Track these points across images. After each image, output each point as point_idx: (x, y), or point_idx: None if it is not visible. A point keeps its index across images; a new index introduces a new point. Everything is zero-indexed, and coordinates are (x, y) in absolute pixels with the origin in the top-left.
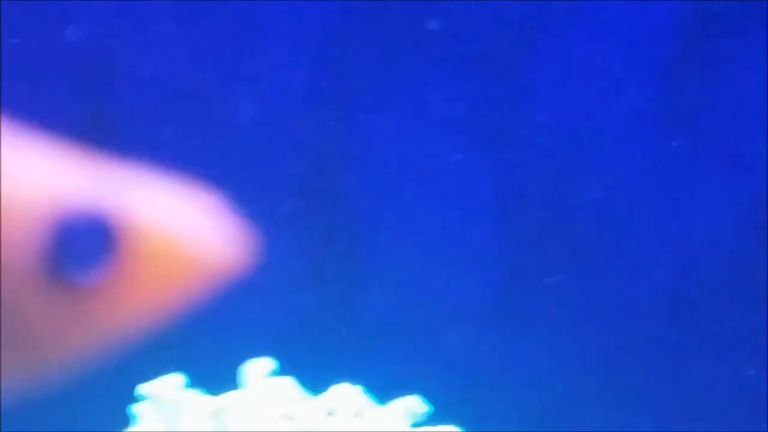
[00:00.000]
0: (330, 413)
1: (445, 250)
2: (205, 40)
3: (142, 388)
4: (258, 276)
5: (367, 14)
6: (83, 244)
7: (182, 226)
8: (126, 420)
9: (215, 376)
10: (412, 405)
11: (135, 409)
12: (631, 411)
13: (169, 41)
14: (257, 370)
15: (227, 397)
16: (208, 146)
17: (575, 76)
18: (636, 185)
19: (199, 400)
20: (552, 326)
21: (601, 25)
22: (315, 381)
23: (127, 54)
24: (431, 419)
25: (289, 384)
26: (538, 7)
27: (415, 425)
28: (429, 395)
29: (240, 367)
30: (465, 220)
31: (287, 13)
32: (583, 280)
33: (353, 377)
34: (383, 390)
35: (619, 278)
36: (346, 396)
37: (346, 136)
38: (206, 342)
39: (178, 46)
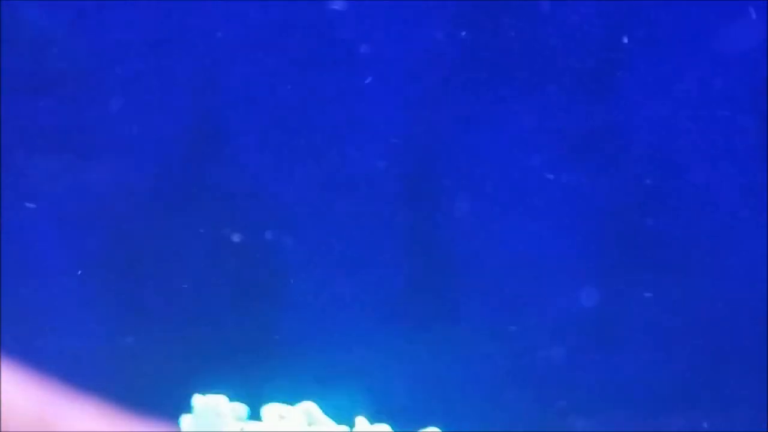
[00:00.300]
0: None
1: (540, 265)
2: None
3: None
4: (358, 282)
5: (468, 37)
6: None
7: None
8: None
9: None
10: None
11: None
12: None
13: (272, 62)
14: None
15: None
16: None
17: (671, 95)
18: (730, 204)
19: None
20: (646, 342)
21: (697, 45)
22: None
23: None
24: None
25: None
26: (634, 25)
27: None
28: (524, 407)
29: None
30: (560, 236)
31: (393, 36)
32: (675, 297)
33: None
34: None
35: (712, 296)
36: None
37: (447, 151)
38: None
39: (283, 69)
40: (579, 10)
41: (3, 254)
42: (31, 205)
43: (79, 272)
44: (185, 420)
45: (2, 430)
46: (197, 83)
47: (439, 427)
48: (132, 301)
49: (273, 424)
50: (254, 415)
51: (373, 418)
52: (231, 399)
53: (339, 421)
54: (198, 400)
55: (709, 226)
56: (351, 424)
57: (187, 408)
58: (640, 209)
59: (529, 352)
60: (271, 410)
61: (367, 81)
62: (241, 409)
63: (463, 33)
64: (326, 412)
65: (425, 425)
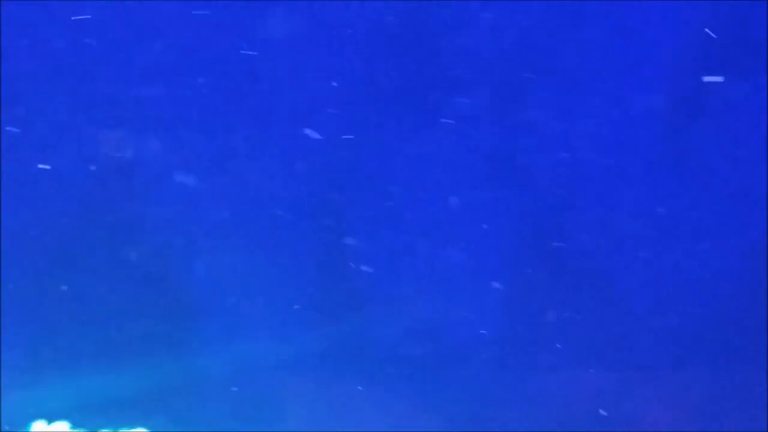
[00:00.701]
0: None
1: (451, 286)
2: None
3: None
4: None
5: (379, 63)
6: None
7: None
8: None
9: None
10: None
11: None
12: None
13: None
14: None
15: None
16: None
17: (576, 117)
18: (635, 224)
19: None
20: (554, 362)
21: (601, 68)
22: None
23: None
24: None
25: None
26: (536, 50)
27: None
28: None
29: None
30: (470, 255)
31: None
32: (585, 318)
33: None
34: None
35: (620, 314)
36: None
37: (355, 172)
38: None
39: None
40: (483, 34)
41: None
42: None
43: None
44: None
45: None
46: None
47: None
48: None
49: None
50: None
51: None
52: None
53: None
54: (37, 426)
55: (614, 238)
56: None
57: None
58: (549, 226)
59: (438, 371)
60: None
61: (277, 104)
62: None
63: (374, 59)
64: None
65: None
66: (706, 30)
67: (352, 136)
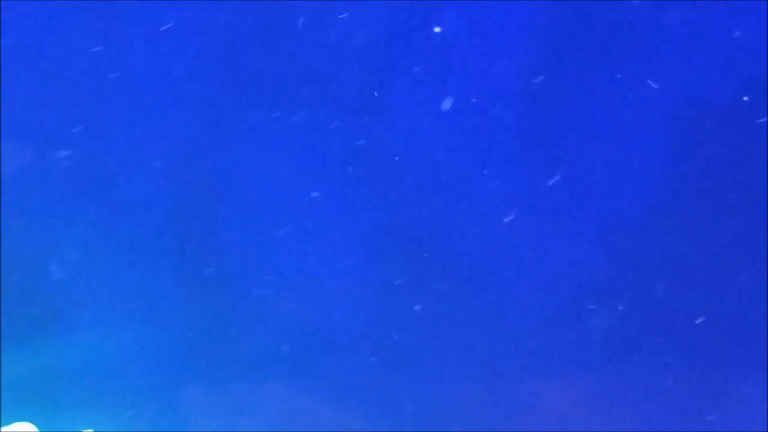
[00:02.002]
0: None
1: (317, 283)
2: None
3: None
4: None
5: (239, 59)
6: None
7: None
8: None
9: None
10: None
11: None
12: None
13: None
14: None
15: None
16: None
17: (431, 111)
18: (495, 212)
19: None
20: (423, 352)
21: (461, 68)
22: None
23: None
24: None
25: None
26: (397, 47)
27: None
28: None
29: None
30: (335, 254)
31: None
32: (451, 307)
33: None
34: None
35: (485, 304)
36: None
37: (222, 175)
38: None
39: None
40: (345, 31)
41: None
42: None
43: None
44: None
45: None
46: None
47: None
48: None
49: None
50: None
51: None
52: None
53: None
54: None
55: (478, 232)
56: None
57: None
58: (412, 221)
59: (308, 368)
60: None
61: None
62: None
63: (236, 56)
64: None
65: None
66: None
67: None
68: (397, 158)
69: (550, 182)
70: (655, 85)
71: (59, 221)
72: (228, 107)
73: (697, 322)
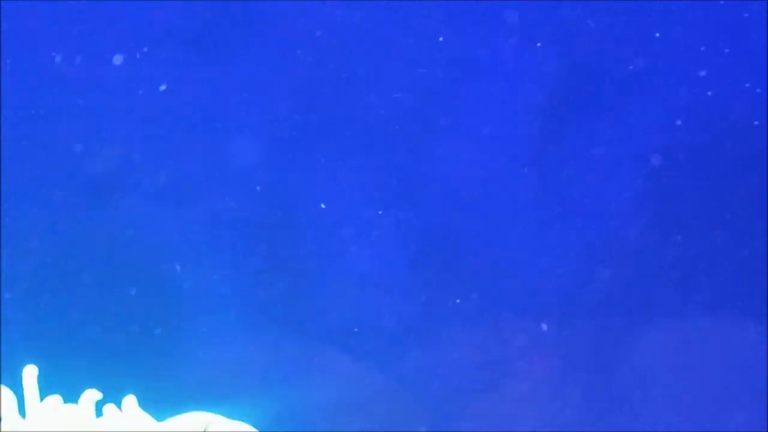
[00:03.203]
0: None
1: (372, 285)
2: None
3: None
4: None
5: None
6: None
7: None
8: None
9: None
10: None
11: None
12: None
13: None
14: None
15: None
16: None
17: (466, 151)
18: (514, 230)
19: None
20: (459, 341)
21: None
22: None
23: None
24: None
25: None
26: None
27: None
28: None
29: None
30: (388, 262)
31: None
32: (480, 303)
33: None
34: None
35: (509, 300)
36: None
37: (297, 194)
38: None
39: None
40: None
41: None
42: None
43: None
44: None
45: None
46: None
47: None
48: None
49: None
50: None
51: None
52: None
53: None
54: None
55: (501, 247)
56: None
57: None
58: (447, 240)
59: (363, 355)
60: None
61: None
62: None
63: (304, 101)
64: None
65: None
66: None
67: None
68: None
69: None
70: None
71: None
72: (304, 144)
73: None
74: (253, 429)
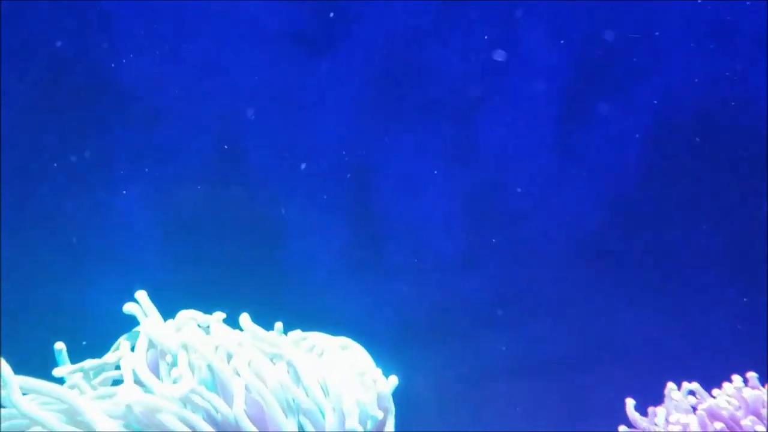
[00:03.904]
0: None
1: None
2: None
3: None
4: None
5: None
6: None
7: None
8: None
9: None
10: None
11: None
12: None
13: None
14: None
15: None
16: None
17: (507, 126)
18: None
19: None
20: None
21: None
22: None
23: None
24: None
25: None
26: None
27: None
28: None
29: None
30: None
31: None
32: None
33: None
34: None
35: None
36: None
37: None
38: None
39: None
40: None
41: None
42: None
43: None
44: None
45: None
46: None
47: None
48: None
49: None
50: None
51: None
52: None
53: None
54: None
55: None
56: None
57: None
58: (490, 200)
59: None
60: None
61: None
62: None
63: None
64: None
65: None
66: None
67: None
68: (483, 155)
69: None
70: None
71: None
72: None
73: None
74: (354, 342)
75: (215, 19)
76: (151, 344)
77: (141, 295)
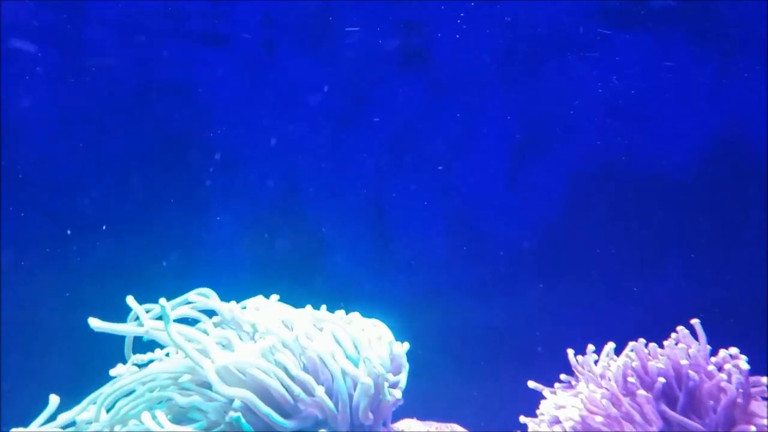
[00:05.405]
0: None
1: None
2: None
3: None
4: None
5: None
6: None
7: None
8: None
9: None
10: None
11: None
12: None
13: None
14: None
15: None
16: None
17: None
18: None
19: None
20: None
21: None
22: None
23: None
24: None
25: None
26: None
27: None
28: None
29: None
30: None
31: None
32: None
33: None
34: None
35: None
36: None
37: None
38: None
39: None
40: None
41: None
42: None
43: None
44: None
45: None
46: None
47: None
48: None
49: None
50: None
51: None
52: None
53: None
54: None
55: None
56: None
57: None
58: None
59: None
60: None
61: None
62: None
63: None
64: None
65: None
66: None
67: None
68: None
69: None
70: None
71: None
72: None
73: None
74: (383, 324)
75: (277, 100)
76: (225, 323)
77: (131, 300)
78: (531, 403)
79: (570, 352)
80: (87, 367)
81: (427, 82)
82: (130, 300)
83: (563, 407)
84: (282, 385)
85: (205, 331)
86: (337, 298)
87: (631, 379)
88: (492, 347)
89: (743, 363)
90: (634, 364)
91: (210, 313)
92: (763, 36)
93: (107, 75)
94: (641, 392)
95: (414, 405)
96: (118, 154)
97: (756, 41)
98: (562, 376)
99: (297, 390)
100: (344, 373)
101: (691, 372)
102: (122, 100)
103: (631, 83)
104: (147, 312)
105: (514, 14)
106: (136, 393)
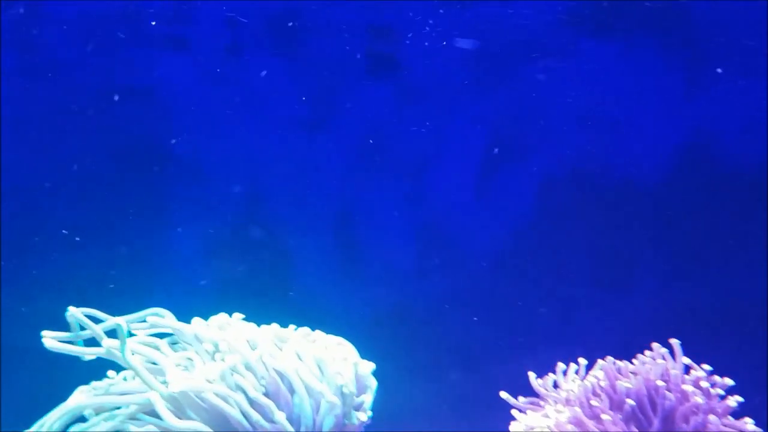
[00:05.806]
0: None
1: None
2: None
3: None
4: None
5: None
6: None
7: None
8: None
9: None
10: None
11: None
12: None
13: None
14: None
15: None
16: None
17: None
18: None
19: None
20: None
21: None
22: None
23: None
24: None
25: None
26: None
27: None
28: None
29: None
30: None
31: None
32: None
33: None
34: None
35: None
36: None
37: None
38: None
39: None
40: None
41: None
42: None
43: None
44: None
45: None
46: None
47: None
48: None
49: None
50: None
51: None
52: None
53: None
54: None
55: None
56: None
57: None
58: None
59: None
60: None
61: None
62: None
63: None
64: None
65: None
66: None
67: None
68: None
69: None
70: None
71: None
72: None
73: None
74: (346, 341)
75: (242, 106)
76: (185, 339)
77: (74, 310)
78: (506, 419)
79: (532, 375)
80: (45, 385)
81: (396, 89)
82: (77, 313)
83: (533, 429)
84: (240, 411)
85: (162, 351)
86: (305, 312)
87: (594, 402)
88: (465, 361)
89: (728, 380)
90: (602, 383)
91: (163, 335)
92: (732, 44)
93: (64, 77)
94: (605, 416)
95: (384, 424)
96: (73, 160)
97: (725, 49)
98: (521, 399)
99: (255, 416)
100: (309, 390)
101: (667, 393)
102: (79, 103)
103: (602, 90)
104: (97, 322)
105: (485, 21)
106: (89, 422)
